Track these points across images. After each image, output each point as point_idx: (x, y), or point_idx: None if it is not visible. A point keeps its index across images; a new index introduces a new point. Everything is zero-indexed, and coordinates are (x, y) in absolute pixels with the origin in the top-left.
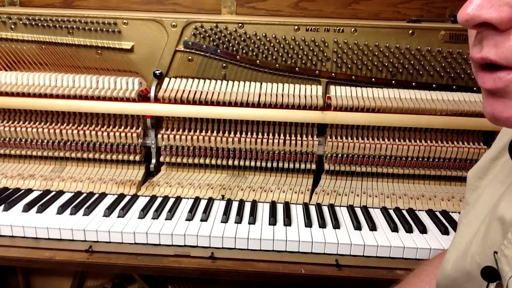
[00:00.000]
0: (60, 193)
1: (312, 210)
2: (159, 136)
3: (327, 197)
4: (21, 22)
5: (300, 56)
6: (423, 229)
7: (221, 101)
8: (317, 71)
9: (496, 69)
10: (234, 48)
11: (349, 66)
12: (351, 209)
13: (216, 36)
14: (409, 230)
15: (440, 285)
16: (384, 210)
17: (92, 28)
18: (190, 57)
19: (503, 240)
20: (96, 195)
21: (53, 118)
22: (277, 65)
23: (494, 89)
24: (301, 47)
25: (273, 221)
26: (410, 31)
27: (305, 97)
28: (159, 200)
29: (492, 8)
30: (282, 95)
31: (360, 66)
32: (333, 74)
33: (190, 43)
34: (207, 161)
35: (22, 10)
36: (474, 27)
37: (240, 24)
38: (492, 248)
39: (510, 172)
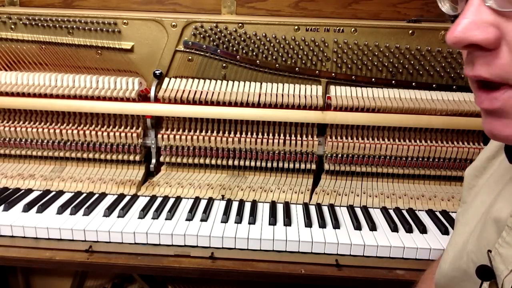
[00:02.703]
0: (60, 193)
1: (312, 210)
2: (159, 136)
3: (327, 197)
4: (21, 22)
5: (300, 56)
6: (423, 229)
7: (221, 101)
8: (317, 71)
9: (491, 88)
10: (234, 48)
11: (349, 66)
12: (351, 209)
13: (216, 36)
14: (409, 230)
15: (438, 284)
16: (384, 210)
17: (92, 28)
18: (190, 57)
19: (497, 239)
20: (96, 195)
21: (53, 118)
22: (277, 65)
23: (491, 109)
24: (301, 47)
25: (273, 221)
26: (410, 31)
27: (305, 97)
28: (159, 200)
29: (478, 30)
30: (282, 95)
31: (360, 66)
32: (333, 74)
33: (190, 43)
34: (207, 161)
35: (22, 10)
36: (463, 48)
37: (240, 24)
38: (488, 247)
39: (506, 171)
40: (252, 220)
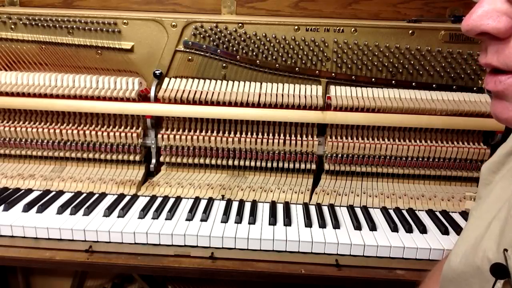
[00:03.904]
0: (60, 193)
1: (312, 210)
2: (159, 136)
3: (327, 197)
4: (21, 22)
5: (300, 56)
6: (423, 229)
7: (221, 101)
8: (317, 71)
9: (501, 73)
10: (234, 48)
11: (349, 66)
12: (351, 209)
13: (216, 36)
14: (409, 230)
15: (445, 278)
16: (384, 210)
17: (92, 28)
18: (190, 57)
19: None
20: (96, 195)
21: (53, 118)
22: (277, 65)
23: (494, 91)
24: (301, 47)
25: (273, 221)
26: (410, 31)
27: (305, 97)
28: (159, 200)
29: (490, 18)
30: (282, 95)
31: (360, 66)
32: (333, 74)
33: (190, 43)
34: (207, 161)
35: (22, 10)
36: (477, 36)
37: (240, 24)
38: (509, 245)
39: None
40: (252, 220)
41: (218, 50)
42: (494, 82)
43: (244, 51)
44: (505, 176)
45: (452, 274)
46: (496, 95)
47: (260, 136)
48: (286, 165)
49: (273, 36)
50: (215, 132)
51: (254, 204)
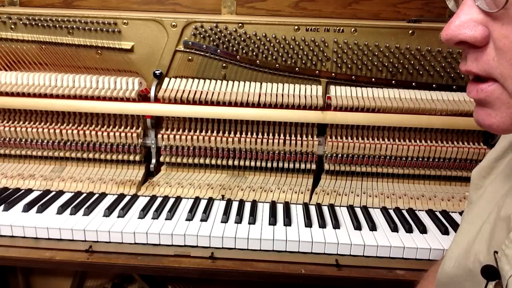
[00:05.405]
0: (60, 193)
1: (312, 210)
2: (159, 136)
3: (327, 197)
4: (21, 22)
5: (300, 56)
6: (423, 229)
7: (221, 101)
8: (317, 71)
9: (482, 81)
10: (234, 48)
11: (349, 66)
12: (351, 209)
13: (216, 36)
14: (409, 230)
15: (440, 281)
16: (384, 210)
17: (92, 28)
18: (190, 57)
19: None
20: (96, 195)
21: (53, 118)
22: (277, 65)
23: (477, 99)
24: (301, 47)
25: (273, 221)
26: (410, 31)
27: (305, 97)
28: (159, 200)
29: (467, 28)
30: (282, 95)
31: (360, 66)
32: (333, 74)
33: (190, 43)
34: (207, 161)
35: (22, 10)
36: (456, 45)
37: (240, 24)
38: (498, 247)
39: None
40: (252, 220)
41: (218, 50)
42: (476, 91)
43: (244, 51)
44: (494, 180)
45: (446, 278)
46: (478, 103)
47: (260, 136)
48: (286, 165)
49: (273, 36)
50: (215, 132)
51: (254, 204)
